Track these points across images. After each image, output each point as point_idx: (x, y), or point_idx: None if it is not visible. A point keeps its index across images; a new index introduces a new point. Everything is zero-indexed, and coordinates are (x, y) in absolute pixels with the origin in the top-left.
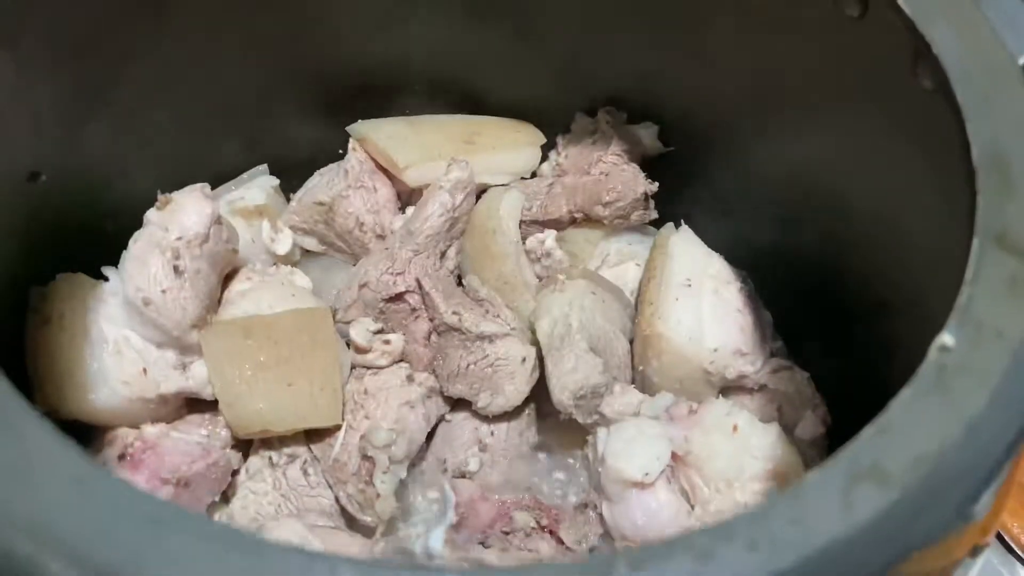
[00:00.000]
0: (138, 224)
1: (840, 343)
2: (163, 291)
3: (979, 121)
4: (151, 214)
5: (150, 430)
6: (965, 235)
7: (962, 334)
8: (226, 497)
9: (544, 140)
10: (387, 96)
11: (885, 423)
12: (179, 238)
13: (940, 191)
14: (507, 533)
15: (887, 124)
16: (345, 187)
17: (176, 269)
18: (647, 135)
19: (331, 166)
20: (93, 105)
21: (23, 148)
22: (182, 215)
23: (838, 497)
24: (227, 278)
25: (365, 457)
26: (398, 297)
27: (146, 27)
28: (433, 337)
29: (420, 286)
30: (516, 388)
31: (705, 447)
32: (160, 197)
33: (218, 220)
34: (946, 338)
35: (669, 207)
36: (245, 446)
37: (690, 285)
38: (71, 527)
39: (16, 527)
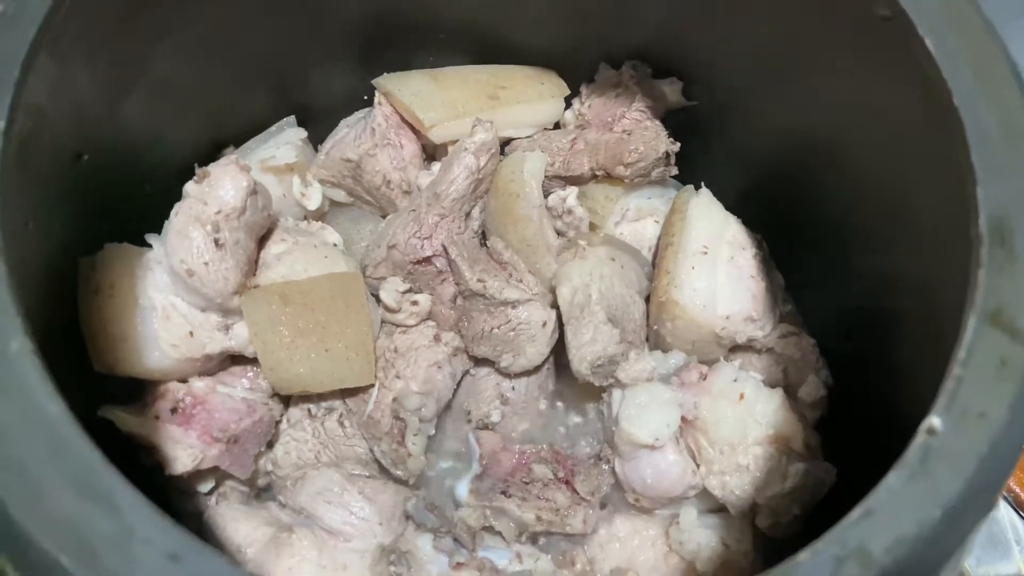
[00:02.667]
0: (175, 183)
1: (849, 311)
2: (205, 263)
3: (991, 187)
4: (190, 187)
5: (198, 384)
6: (964, 226)
7: (948, 418)
8: (270, 443)
9: (568, 91)
10: (412, 44)
11: (872, 505)
12: (218, 212)
13: (948, 178)
14: (527, 483)
15: (898, 95)
16: (372, 145)
17: (216, 242)
18: (671, 91)
19: (357, 115)
20: (129, 81)
21: (66, 135)
22: (220, 189)
23: None
24: (262, 238)
25: (397, 418)
26: (425, 260)
27: (176, 3)
28: (459, 300)
29: (446, 252)
30: (537, 350)
31: (712, 412)
32: (198, 171)
33: (254, 190)
34: (934, 420)
35: (689, 158)
36: (286, 395)
37: (706, 252)
38: None
39: None
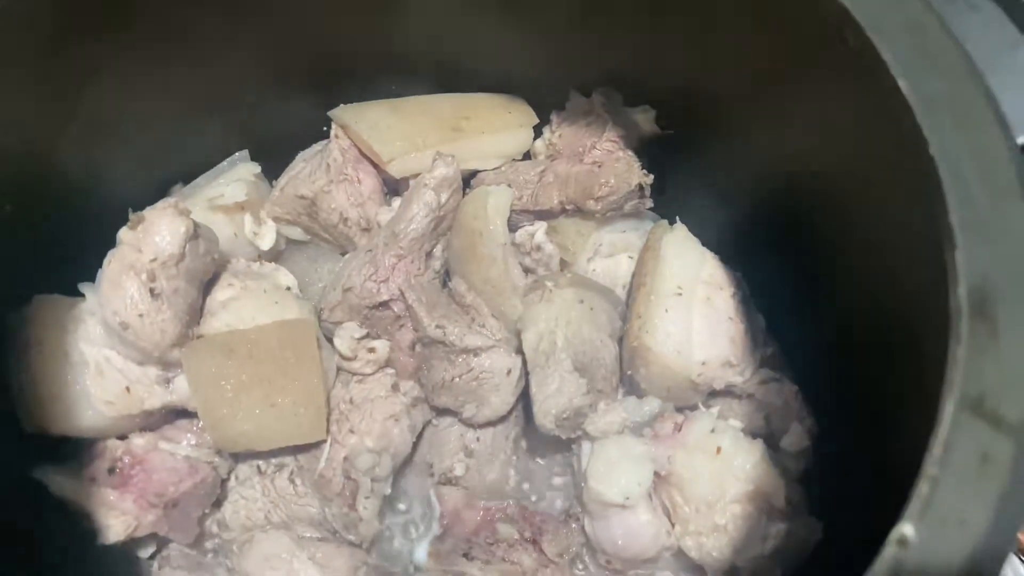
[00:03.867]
0: (117, 227)
1: (835, 353)
2: (140, 315)
3: (973, 251)
4: (123, 233)
5: (138, 441)
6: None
7: (922, 526)
8: (217, 501)
9: (536, 120)
10: (373, 72)
11: None
12: (154, 259)
13: (928, 237)
14: (491, 544)
15: (873, 137)
16: (327, 182)
17: (152, 292)
18: (644, 119)
19: (314, 148)
20: (59, 121)
21: None
22: (155, 235)
23: None
24: (209, 283)
25: (349, 478)
26: (382, 305)
27: (108, 35)
28: (418, 347)
29: (403, 296)
30: (502, 399)
31: (688, 468)
32: (132, 216)
33: (194, 235)
34: (906, 529)
35: (666, 190)
36: None
37: (681, 294)
38: None
39: None
